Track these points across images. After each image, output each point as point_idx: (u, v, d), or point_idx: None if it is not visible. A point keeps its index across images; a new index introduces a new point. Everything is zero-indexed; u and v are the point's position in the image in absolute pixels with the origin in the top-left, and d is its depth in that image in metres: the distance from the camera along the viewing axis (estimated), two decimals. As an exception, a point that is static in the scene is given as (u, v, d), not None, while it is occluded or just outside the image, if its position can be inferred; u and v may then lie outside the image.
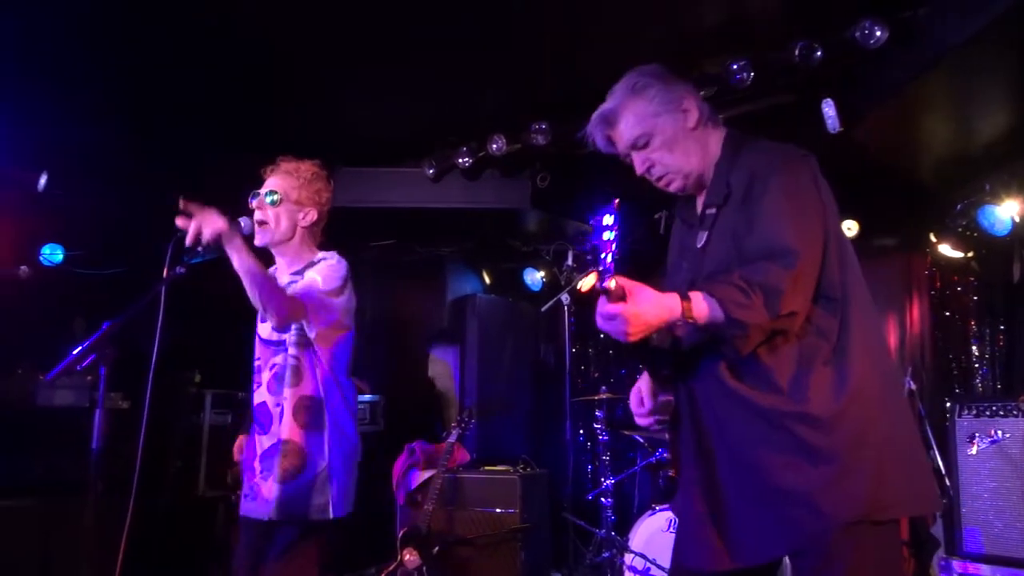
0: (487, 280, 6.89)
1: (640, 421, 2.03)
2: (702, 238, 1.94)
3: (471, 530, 4.65)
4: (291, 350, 2.62)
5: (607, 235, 1.68)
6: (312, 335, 2.61)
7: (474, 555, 4.63)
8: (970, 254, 5.06)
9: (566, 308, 4.80)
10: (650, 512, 4.38)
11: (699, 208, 2.01)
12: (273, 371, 2.65)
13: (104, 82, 4.01)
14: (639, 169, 2.02)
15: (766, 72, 3.79)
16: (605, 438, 4.88)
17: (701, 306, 1.68)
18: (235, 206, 2.62)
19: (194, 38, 3.71)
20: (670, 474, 4.71)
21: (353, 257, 2.90)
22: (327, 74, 4.16)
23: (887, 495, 1.69)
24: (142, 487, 2.39)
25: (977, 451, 3.27)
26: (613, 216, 1.69)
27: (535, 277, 6.55)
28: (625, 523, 4.69)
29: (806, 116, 3.86)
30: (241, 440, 4.00)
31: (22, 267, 4.16)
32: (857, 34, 3.46)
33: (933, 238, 5.10)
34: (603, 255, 1.68)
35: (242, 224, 2.49)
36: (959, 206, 4.79)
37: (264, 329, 2.71)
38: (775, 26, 3.65)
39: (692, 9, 3.58)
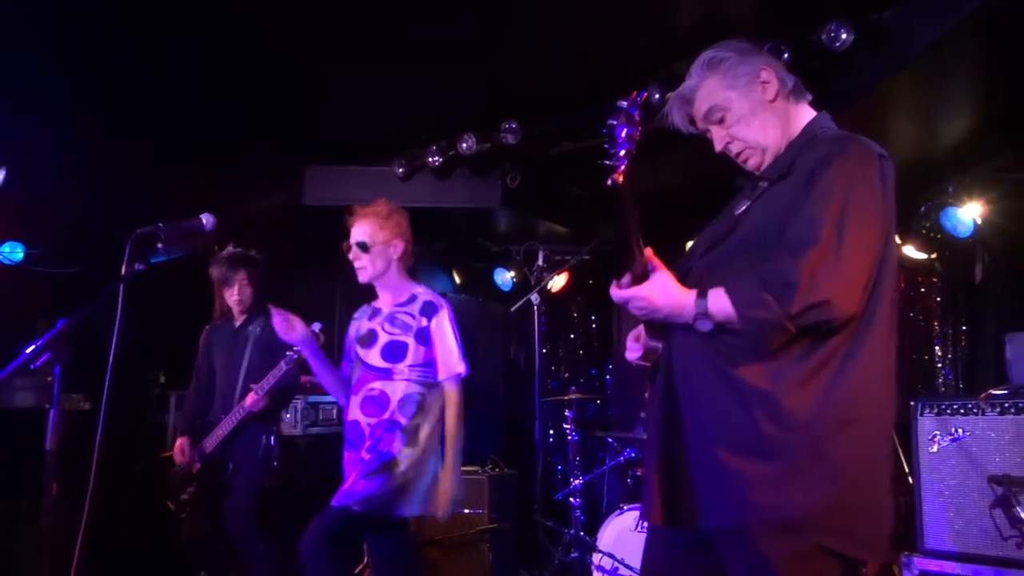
0: (457, 280, 6.87)
1: (628, 355, 2.00)
2: (743, 206, 1.90)
3: (439, 531, 4.62)
4: (417, 388, 3.01)
5: (628, 134, 1.64)
6: (439, 378, 3.03)
7: (442, 556, 4.60)
8: (934, 255, 5.13)
9: (536, 308, 4.78)
10: (619, 512, 4.38)
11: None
12: (372, 395, 3.00)
13: (64, 78, 3.94)
14: (718, 146, 1.95)
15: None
16: (575, 438, 4.88)
17: (716, 303, 1.69)
18: (196, 201, 2.59)
19: (158, 34, 3.66)
20: (638, 474, 4.72)
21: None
22: (296, 75, 4.12)
23: (838, 522, 1.61)
24: (104, 490, 2.35)
25: (938, 449, 3.31)
26: (636, 113, 1.65)
27: (505, 277, 6.54)
28: (594, 523, 4.70)
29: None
30: (182, 442, 3.99)
31: (-20, 266, 4.07)
32: (824, 36, 3.49)
33: (898, 239, 5.16)
34: (618, 147, 1.65)
35: (204, 221, 2.47)
36: (923, 208, 4.85)
37: (372, 356, 3.04)
38: (746, 28, 3.67)
39: (664, 11, 3.60)
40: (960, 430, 3.26)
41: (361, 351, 3.10)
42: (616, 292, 1.79)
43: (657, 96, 4.01)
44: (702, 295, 1.71)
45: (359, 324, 3.21)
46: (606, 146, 1.66)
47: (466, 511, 4.61)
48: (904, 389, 5.30)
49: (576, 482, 4.71)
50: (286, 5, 3.47)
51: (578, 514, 4.60)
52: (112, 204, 4.44)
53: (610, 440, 4.97)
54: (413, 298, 3.12)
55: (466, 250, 6.56)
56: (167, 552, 4.84)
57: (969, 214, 4.64)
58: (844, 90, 3.81)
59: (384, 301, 3.18)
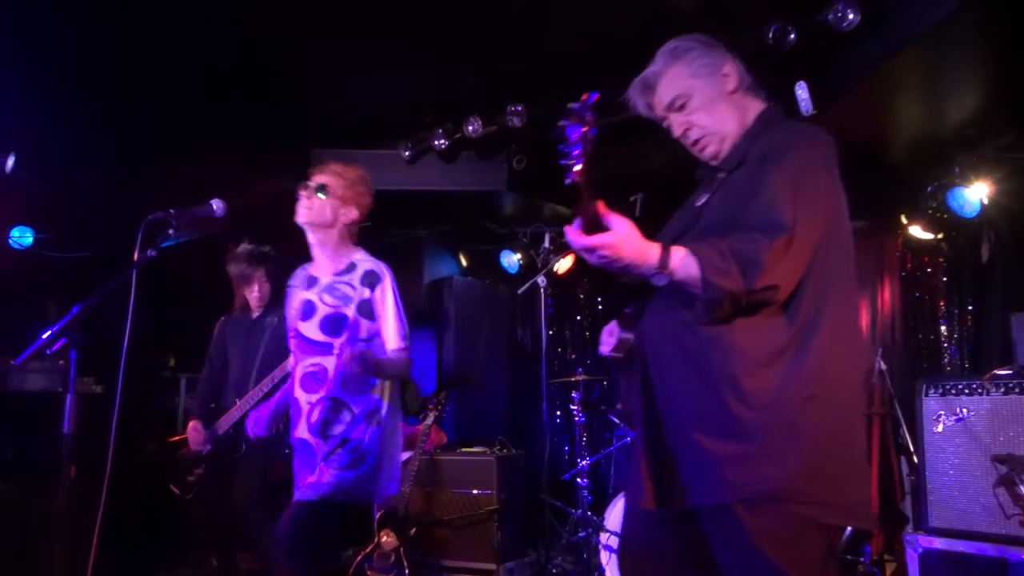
0: (464, 262, 6.89)
1: (602, 349, 2.05)
2: (703, 198, 1.96)
3: (448, 511, 4.68)
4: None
5: (581, 134, 1.67)
6: (386, 353, 2.92)
7: (451, 536, 4.66)
8: (940, 235, 5.13)
9: (543, 290, 4.81)
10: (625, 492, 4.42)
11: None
12: (311, 370, 2.85)
13: (72, 63, 3.94)
14: (676, 132, 2.01)
15: (740, 54, 3.79)
16: (581, 419, 4.91)
17: (679, 260, 1.69)
18: (202, 187, 2.60)
19: (163, 18, 3.66)
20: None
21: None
22: (300, 55, 4.12)
23: (813, 492, 1.67)
24: (117, 471, 2.38)
25: (943, 429, 3.33)
26: (588, 113, 1.68)
27: (512, 259, 6.55)
28: (601, 503, 4.74)
29: (779, 99, 3.88)
30: (195, 424, 4.02)
31: (-10, 250, 4.11)
32: (830, 16, 3.49)
33: (904, 220, 5.16)
34: (572, 147, 1.68)
35: (214, 206, 2.48)
36: (929, 188, 4.84)
37: (311, 329, 2.88)
38: (750, 8, 3.66)
39: (669, -9, 3.58)
40: (964, 410, 3.28)
41: (300, 324, 2.93)
42: (580, 239, 1.72)
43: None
44: (666, 250, 1.71)
45: (296, 294, 3.04)
46: (560, 147, 1.70)
47: (475, 491, 4.66)
48: (910, 368, 5.33)
49: (583, 462, 4.75)
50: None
51: (585, 494, 4.64)
52: (120, 189, 4.47)
53: (616, 421, 5.00)
54: (353, 266, 2.95)
55: (472, 233, 6.57)
56: (178, 534, 4.91)
57: (976, 194, 4.63)
58: (850, 70, 3.80)
59: (322, 269, 2.99)
